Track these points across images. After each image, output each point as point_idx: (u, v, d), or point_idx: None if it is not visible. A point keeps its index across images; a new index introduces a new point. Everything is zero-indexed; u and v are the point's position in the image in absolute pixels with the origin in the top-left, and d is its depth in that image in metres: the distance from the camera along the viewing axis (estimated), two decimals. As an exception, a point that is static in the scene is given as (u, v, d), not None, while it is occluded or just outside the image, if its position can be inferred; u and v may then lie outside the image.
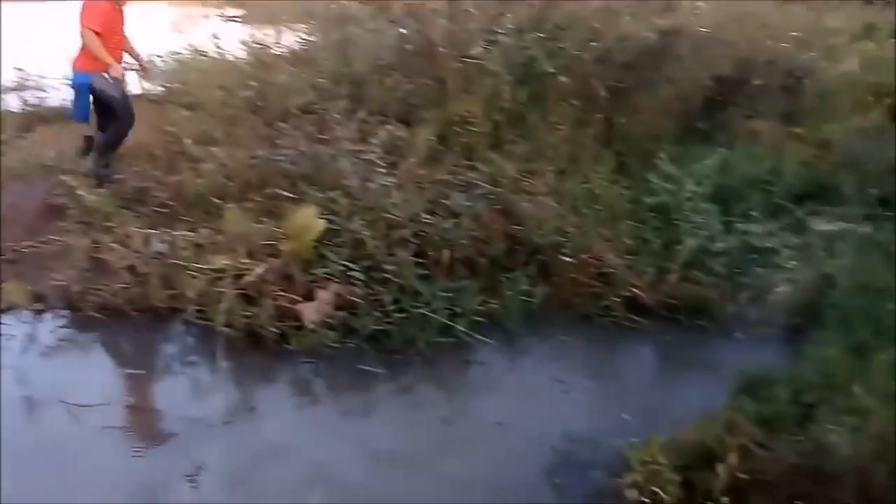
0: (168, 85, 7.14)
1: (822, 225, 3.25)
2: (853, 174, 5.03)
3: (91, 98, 4.94)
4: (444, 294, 4.00)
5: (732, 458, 2.60)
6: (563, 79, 5.72)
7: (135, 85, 4.99)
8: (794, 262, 3.50)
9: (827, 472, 2.49)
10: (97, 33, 4.70)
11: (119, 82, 4.89)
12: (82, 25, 4.70)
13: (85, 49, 4.83)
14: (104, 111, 5.02)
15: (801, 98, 6.24)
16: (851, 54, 6.97)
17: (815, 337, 3.40)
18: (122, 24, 4.97)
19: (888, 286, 3.22)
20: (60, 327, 3.93)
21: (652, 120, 5.88)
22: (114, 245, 4.16)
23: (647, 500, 2.60)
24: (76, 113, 5.06)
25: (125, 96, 4.99)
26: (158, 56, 8.15)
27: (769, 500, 2.53)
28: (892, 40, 7.52)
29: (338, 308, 3.88)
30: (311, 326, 3.75)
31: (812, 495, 2.46)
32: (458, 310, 3.98)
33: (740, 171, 5.03)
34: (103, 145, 5.05)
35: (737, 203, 4.77)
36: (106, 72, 4.74)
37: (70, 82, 5.01)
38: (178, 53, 7.83)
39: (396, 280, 4.02)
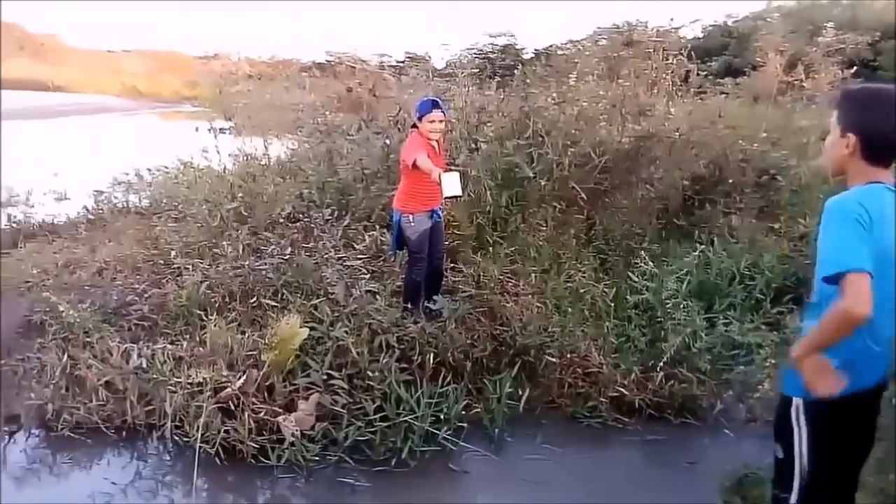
0: (156, 198, 7.28)
1: (798, 321, 3.24)
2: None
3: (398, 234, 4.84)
4: (428, 400, 3.93)
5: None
6: (543, 182, 5.88)
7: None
8: (775, 359, 3.48)
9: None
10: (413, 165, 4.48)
11: (421, 223, 4.70)
12: (409, 158, 4.52)
13: (398, 189, 4.83)
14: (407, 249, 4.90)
15: (775, 194, 6.41)
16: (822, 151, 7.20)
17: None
18: (437, 160, 4.69)
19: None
20: (33, 448, 3.81)
21: (632, 219, 6.01)
22: (92, 361, 4.11)
23: None
24: (391, 245, 5.08)
25: (423, 239, 4.75)
26: (147, 169, 8.37)
27: None
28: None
29: (319, 419, 3.80)
30: (292, 439, 3.65)
31: None
32: (442, 416, 3.91)
33: (720, 266, 5.08)
34: (404, 284, 4.92)
35: (718, 299, 4.81)
36: (411, 213, 4.68)
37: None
38: (166, 167, 8.03)
39: (379, 387, 3.96)
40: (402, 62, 12.74)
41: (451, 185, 4.20)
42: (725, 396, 4.06)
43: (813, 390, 2.02)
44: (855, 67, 10.65)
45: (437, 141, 4.74)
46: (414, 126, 4.71)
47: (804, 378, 2.04)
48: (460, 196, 4.32)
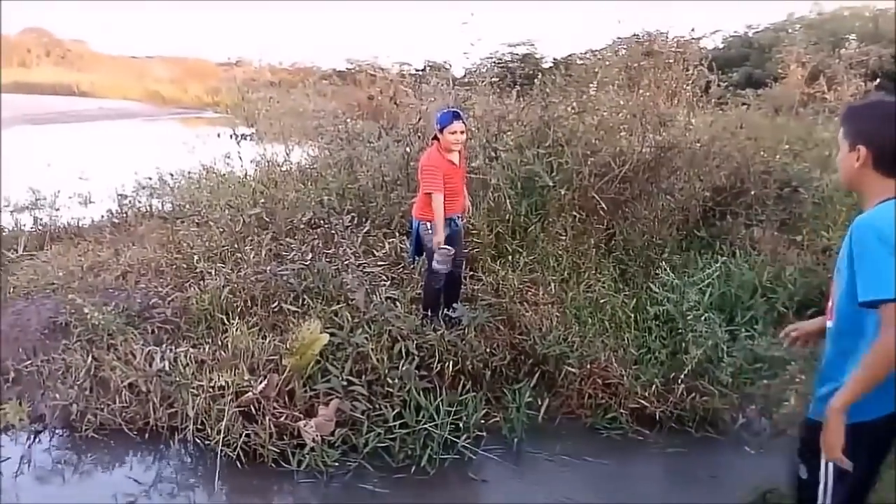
0: (178, 203, 7.35)
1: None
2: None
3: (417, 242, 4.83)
4: (448, 408, 3.94)
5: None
6: (563, 191, 5.88)
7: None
8: (802, 374, 3.46)
9: None
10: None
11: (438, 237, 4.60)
12: (427, 186, 4.56)
13: (417, 197, 4.82)
14: (426, 257, 4.85)
15: (797, 206, 6.36)
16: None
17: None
18: (457, 174, 4.73)
19: None
20: (57, 448, 3.86)
21: (652, 229, 5.99)
22: (116, 363, 4.16)
23: None
24: (410, 252, 5.10)
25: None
26: (170, 174, 8.47)
27: None
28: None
29: (339, 424, 3.82)
30: (312, 444, 3.67)
31: None
32: (461, 424, 3.91)
33: (742, 279, 5.05)
34: (423, 291, 4.92)
35: (740, 312, 4.77)
36: (430, 221, 4.63)
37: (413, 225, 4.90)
38: (189, 172, 8.11)
39: (399, 394, 3.98)
40: (422, 70, 12.80)
41: (442, 260, 4.49)
42: (748, 410, 4.04)
43: (830, 451, 2.00)
44: (878, 80, 10.56)
45: (458, 152, 4.76)
46: (435, 138, 4.73)
47: (827, 437, 2.00)
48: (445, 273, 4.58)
